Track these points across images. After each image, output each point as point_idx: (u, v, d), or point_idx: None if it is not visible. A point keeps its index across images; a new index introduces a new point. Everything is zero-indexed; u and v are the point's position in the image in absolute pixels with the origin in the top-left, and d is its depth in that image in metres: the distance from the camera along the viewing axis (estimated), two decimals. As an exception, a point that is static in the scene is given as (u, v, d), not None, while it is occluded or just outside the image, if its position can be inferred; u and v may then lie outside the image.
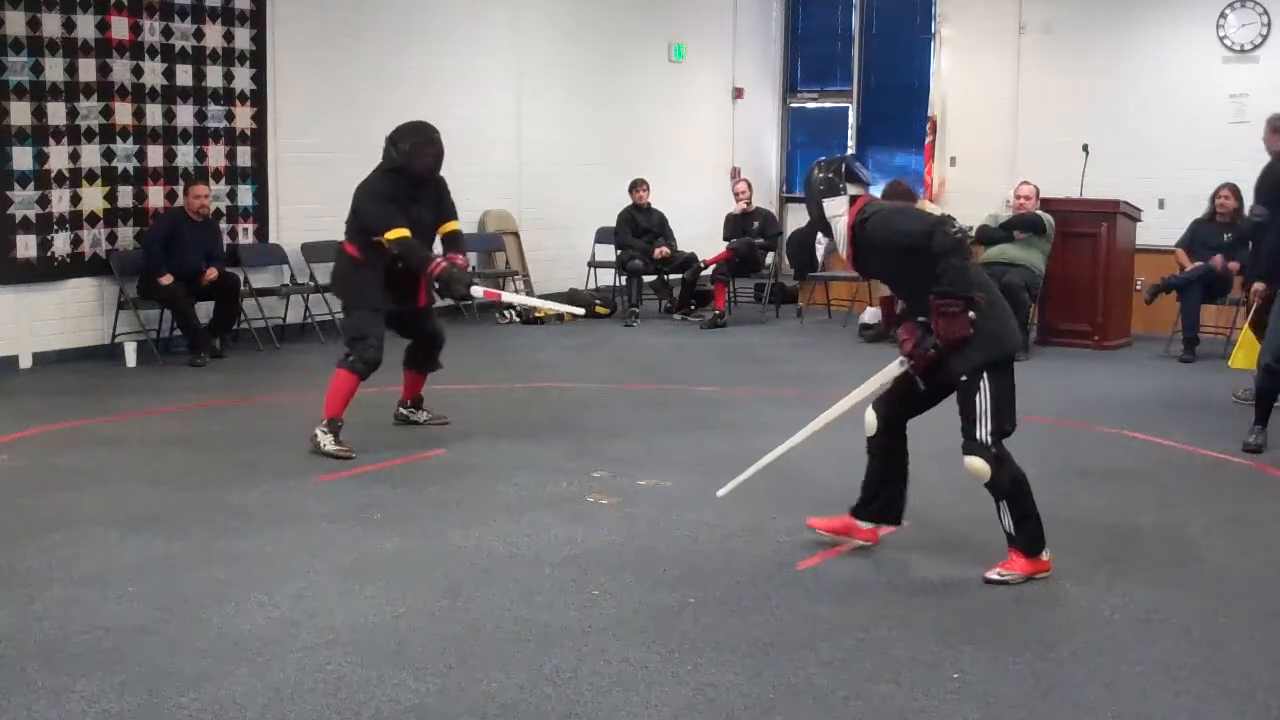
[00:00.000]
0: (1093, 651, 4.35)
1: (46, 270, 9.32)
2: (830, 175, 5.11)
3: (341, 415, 6.94)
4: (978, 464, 4.87)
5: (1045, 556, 4.99)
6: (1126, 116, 12.50)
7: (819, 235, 5.27)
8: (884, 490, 5.26)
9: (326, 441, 6.85)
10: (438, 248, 7.27)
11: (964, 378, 4.87)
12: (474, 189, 12.25)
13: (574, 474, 6.51)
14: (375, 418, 7.83)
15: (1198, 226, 10.86)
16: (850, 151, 4.99)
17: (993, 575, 4.91)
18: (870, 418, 5.19)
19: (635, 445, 7.15)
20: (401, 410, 7.66)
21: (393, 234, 6.85)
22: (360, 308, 7.06)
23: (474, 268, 12.13)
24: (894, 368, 5.10)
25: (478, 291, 7.29)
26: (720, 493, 5.45)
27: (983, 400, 4.84)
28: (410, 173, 7.01)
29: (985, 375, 4.83)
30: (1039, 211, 10.66)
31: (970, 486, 6.29)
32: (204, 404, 8.21)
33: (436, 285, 7.09)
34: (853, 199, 5.07)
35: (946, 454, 6.72)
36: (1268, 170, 8.24)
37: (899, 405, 5.16)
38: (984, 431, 4.84)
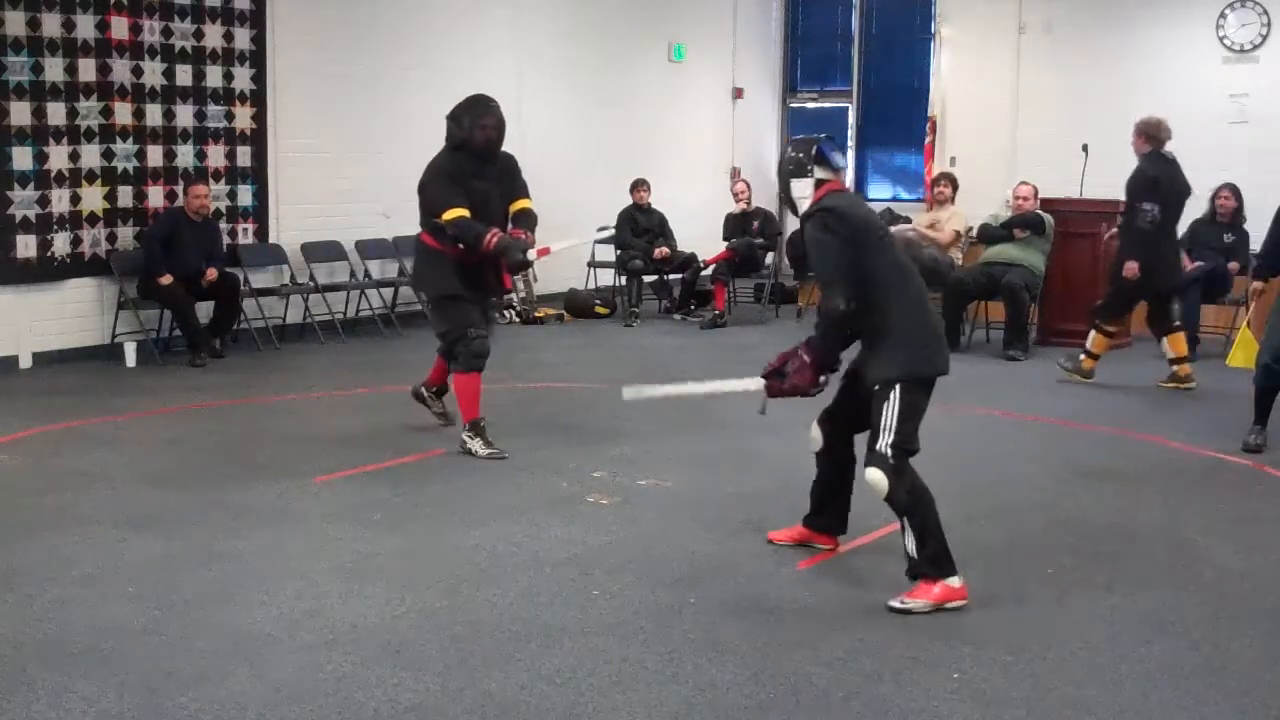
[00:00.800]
0: (1093, 651, 4.35)
1: (46, 270, 9.32)
2: (800, 155, 4.96)
3: (480, 415, 6.82)
4: (875, 475, 4.72)
5: (957, 583, 4.68)
6: (1126, 116, 12.40)
7: None
8: (833, 502, 5.23)
9: (476, 446, 6.77)
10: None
11: (876, 387, 4.78)
12: (474, 189, 12.27)
13: (574, 474, 6.51)
14: (375, 418, 7.83)
15: (1198, 227, 10.86)
16: (826, 136, 4.78)
17: (894, 604, 4.66)
18: (815, 433, 5.12)
19: (635, 445, 7.15)
20: (422, 390, 7.47)
21: (449, 214, 6.68)
22: (444, 301, 6.87)
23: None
24: (751, 384, 5.04)
25: (532, 255, 6.93)
26: (627, 395, 5.37)
27: (889, 412, 4.72)
28: (472, 147, 6.86)
29: (896, 388, 4.72)
30: (1039, 211, 10.66)
31: (967, 488, 6.31)
32: (204, 404, 8.21)
33: (497, 258, 6.80)
34: (819, 183, 4.92)
35: (944, 456, 6.74)
36: (1137, 171, 9.10)
37: (842, 419, 5.07)
38: (885, 442, 4.70)
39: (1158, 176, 9.05)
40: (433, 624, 4.50)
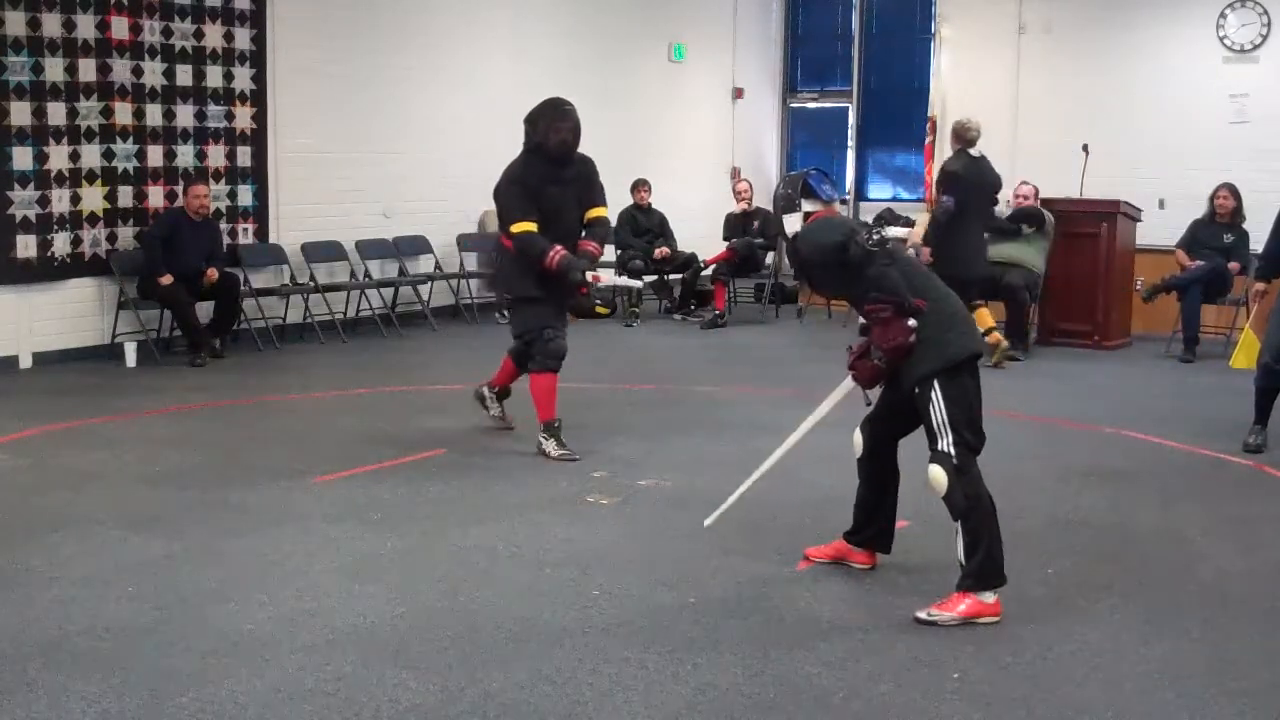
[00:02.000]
0: (1093, 651, 4.35)
1: (46, 270, 9.32)
2: (788, 191, 5.04)
3: (555, 415, 6.78)
4: (936, 472, 4.59)
5: (991, 598, 4.55)
6: (1126, 116, 12.50)
7: None
8: (875, 518, 5.04)
9: (550, 447, 6.73)
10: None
11: (915, 390, 4.65)
12: (473, 189, 12.25)
13: (574, 474, 6.51)
14: (375, 418, 7.84)
15: (1197, 227, 10.87)
16: (814, 169, 4.75)
17: (921, 615, 4.55)
18: (857, 438, 4.98)
19: (635, 445, 7.15)
20: (484, 392, 7.40)
21: (517, 227, 6.63)
22: (522, 302, 6.81)
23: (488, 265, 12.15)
24: (846, 384, 4.92)
25: (588, 277, 6.81)
26: (707, 523, 5.35)
27: (937, 412, 4.59)
28: (547, 151, 6.79)
29: (935, 385, 4.59)
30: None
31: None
32: (204, 404, 8.21)
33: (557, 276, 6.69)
34: (807, 215, 4.96)
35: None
36: (942, 166, 9.90)
37: (882, 425, 4.92)
38: (946, 442, 4.58)
39: (958, 171, 9.65)
40: (433, 624, 4.50)
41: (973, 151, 9.85)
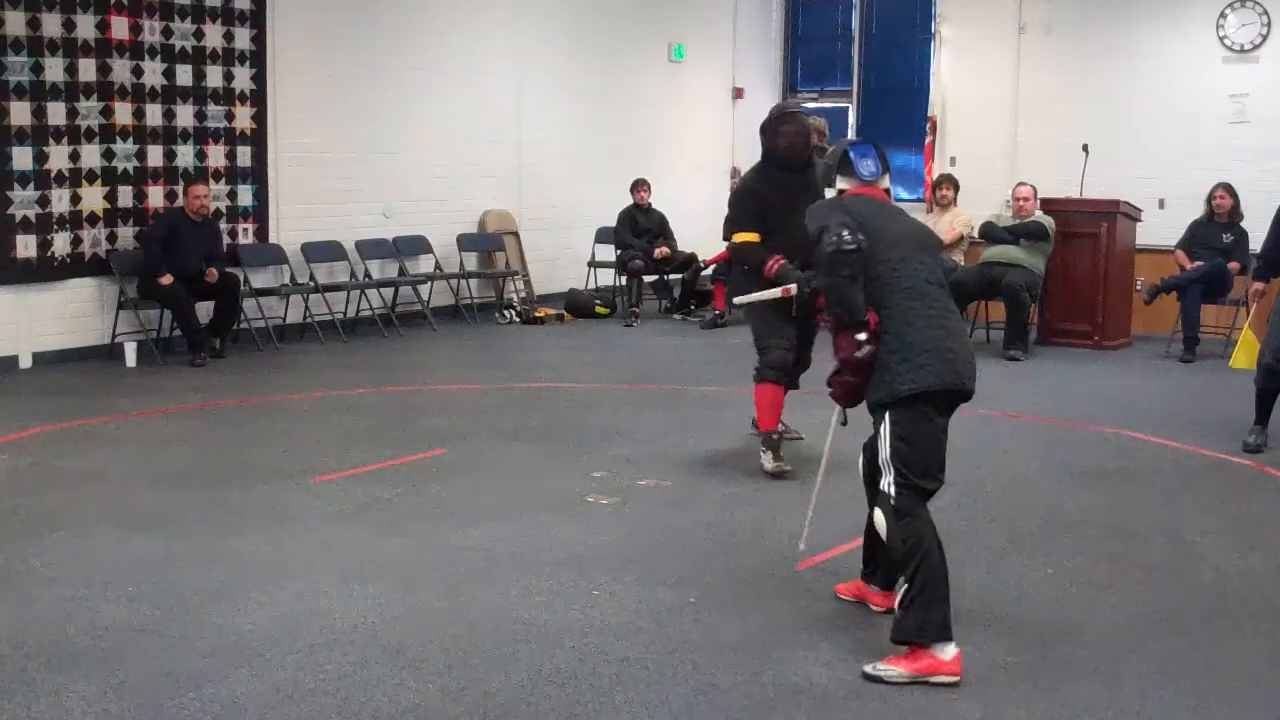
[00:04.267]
0: (1093, 651, 4.35)
1: (46, 270, 9.31)
2: (828, 163, 4.65)
3: (775, 426, 6.59)
4: (877, 515, 4.27)
5: (949, 654, 4.05)
6: (1126, 116, 12.49)
7: None
8: (879, 555, 4.58)
9: (766, 460, 6.52)
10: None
11: (872, 417, 4.32)
12: (474, 189, 12.28)
13: (574, 474, 6.51)
14: (375, 418, 7.84)
15: (1196, 227, 10.86)
16: (859, 140, 4.84)
17: (868, 669, 4.10)
18: (861, 462, 4.59)
19: (635, 445, 7.15)
20: (765, 436, 6.71)
21: (738, 237, 6.52)
22: (753, 309, 6.66)
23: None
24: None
25: (792, 289, 6.38)
26: (801, 547, 5.05)
27: (883, 447, 4.23)
28: (776, 157, 6.64)
29: (885, 417, 4.23)
30: (1040, 216, 10.66)
31: (967, 488, 6.31)
32: (204, 404, 8.21)
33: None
34: (840, 193, 4.56)
35: (947, 454, 6.72)
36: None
37: (874, 448, 4.42)
38: (886, 481, 4.22)
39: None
40: (433, 624, 4.50)
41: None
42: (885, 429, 4.23)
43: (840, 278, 4.21)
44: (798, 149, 6.61)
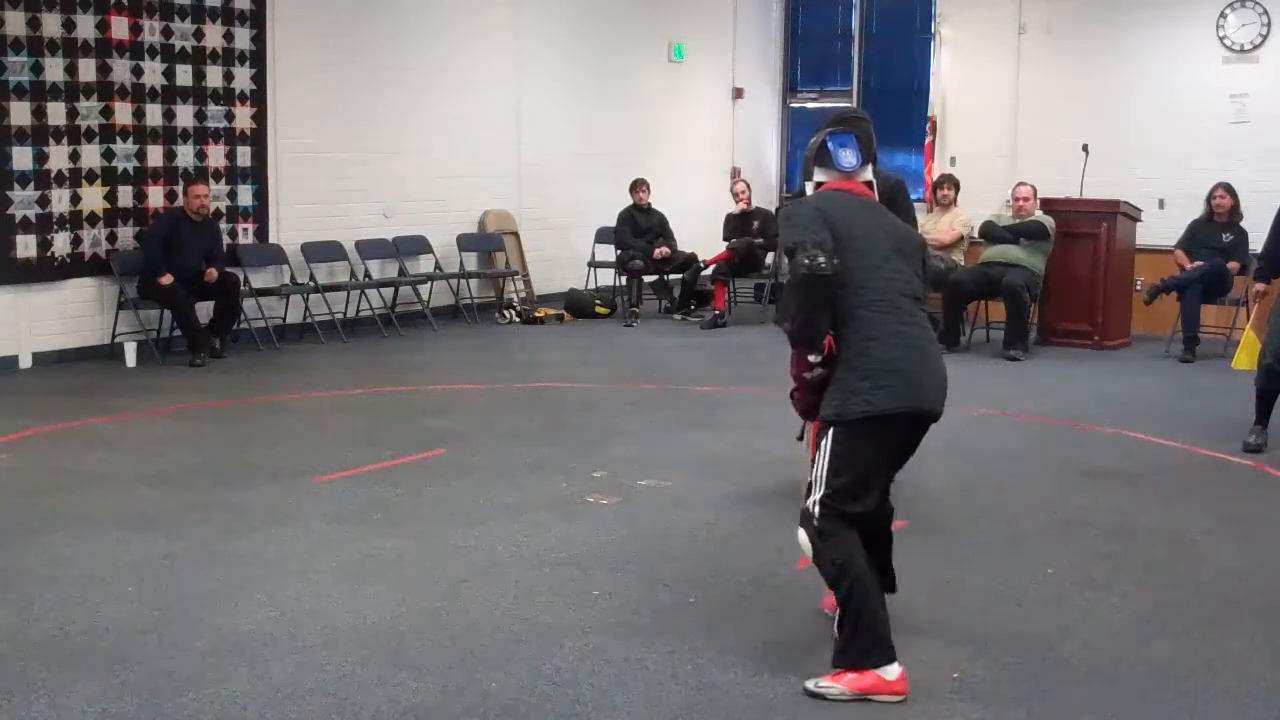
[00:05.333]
0: (1093, 651, 4.35)
1: (46, 270, 9.31)
2: (807, 155, 4.33)
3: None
4: (800, 534, 4.07)
5: (892, 673, 3.89)
6: (1126, 116, 12.50)
7: None
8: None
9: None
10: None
11: (821, 425, 4.12)
12: (474, 189, 12.28)
13: (574, 474, 6.51)
14: (375, 418, 7.83)
15: (1196, 227, 10.86)
16: (840, 130, 4.42)
17: (809, 685, 3.96)
18: None
19: (635, 445, 7.15)
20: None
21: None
22: None
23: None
24: None
25: None
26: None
27: (821, 459, 4.03)
28: None
29: (830, 433, 4.02)
30: (1040, 216, 10.67)
31: (972, 485, 6.32)
32: (204, 404, 8.21)
33: None
34: (819, 185, 4.27)
35: (948, 452, 6.73)
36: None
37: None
38: (814, 497, 4.02)
39: None
40: (433, 624, 4.50)
41: None
42: (826, 444, 4.02)
43: (809, 301, 3.97)
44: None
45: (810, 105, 15.84)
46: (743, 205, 12.55)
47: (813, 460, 4.13)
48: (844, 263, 3.97)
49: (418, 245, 11.67)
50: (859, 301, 3.99)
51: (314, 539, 5.44)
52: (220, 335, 9.89)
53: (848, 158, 4.24)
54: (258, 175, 10.55)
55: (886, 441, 4.03)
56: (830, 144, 4.25)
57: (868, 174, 4.30)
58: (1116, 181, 11.47)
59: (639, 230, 12.49)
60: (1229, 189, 10.70)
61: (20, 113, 9.04)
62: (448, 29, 11.95)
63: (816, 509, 4.00)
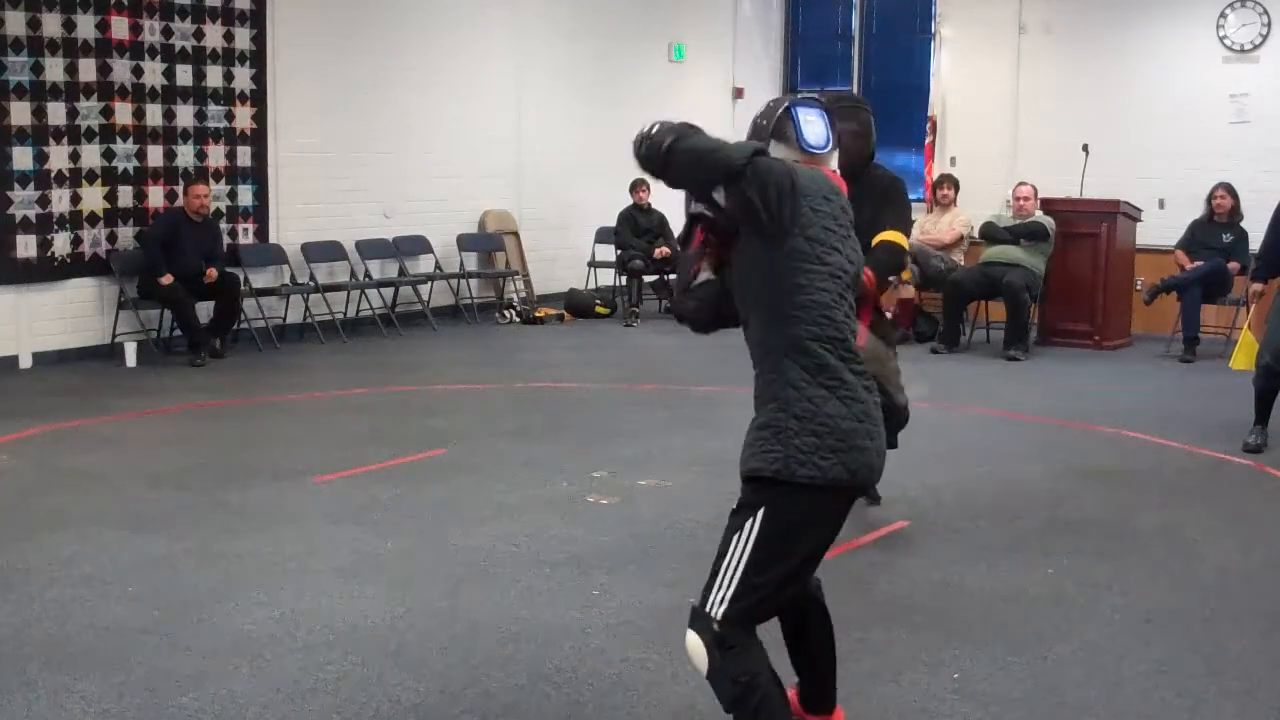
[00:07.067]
0: (1093, 651, 4.35)
1: (46, 270, 9.31)
2: (761, 123, 3.33)
3: None
4: (692, 642, 3.14)
5: None
6: (1126, 116, 12.49)
7: None
8: (801, 665, 3.56)
9: None
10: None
11: (743, 486, 3.19)
12: (474, 189, 12.28)
13: (574, 474, 6.51)
14: (375, 418, 7.84)
15: (1196, 227, 10.87)
16: (808, 95, 3.45)
17: None
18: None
19: (635, 445, 7.15)
20: None
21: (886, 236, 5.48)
22: None
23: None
24: None
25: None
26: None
27: (738, 543, 3.11)
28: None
29: (761, 504, 3.11)
30: (1040, 217, 10.67)
31: (972, 485, 6.31)
32: (204, 404, 8.21)
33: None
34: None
35: (947, 454, 6.73)
36: None
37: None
38: (716, 596, 3.13)
39: None
40: (433, 624, 4.50)
41: None
42: (755, 519, 3.09)
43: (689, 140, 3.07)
44: (849, 152, 5.11)
45: (810, 105, 15.84)
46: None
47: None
48: (810, 280, 3.10)
49: (418, 245, 11.67)
50: (816, 334, 3.10)
51: (314, 539, 5.44)
52: (220, 335, 9.89)
53: (816, 132, 3.26)
54: (258, 175, 10.55)
55: (829, 523, 3.19)
56: (795, 113, 3.26)
57: (834, 161, 3.37)
58: (1116, 181, 11.46)
59: (639, 230, 12.49)
60: (1229, 189, 10.70)
61: (20, 113, 9.04)
62: (448, 29, 11.94)
63: (720, 610, 3.10)
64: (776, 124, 3.28)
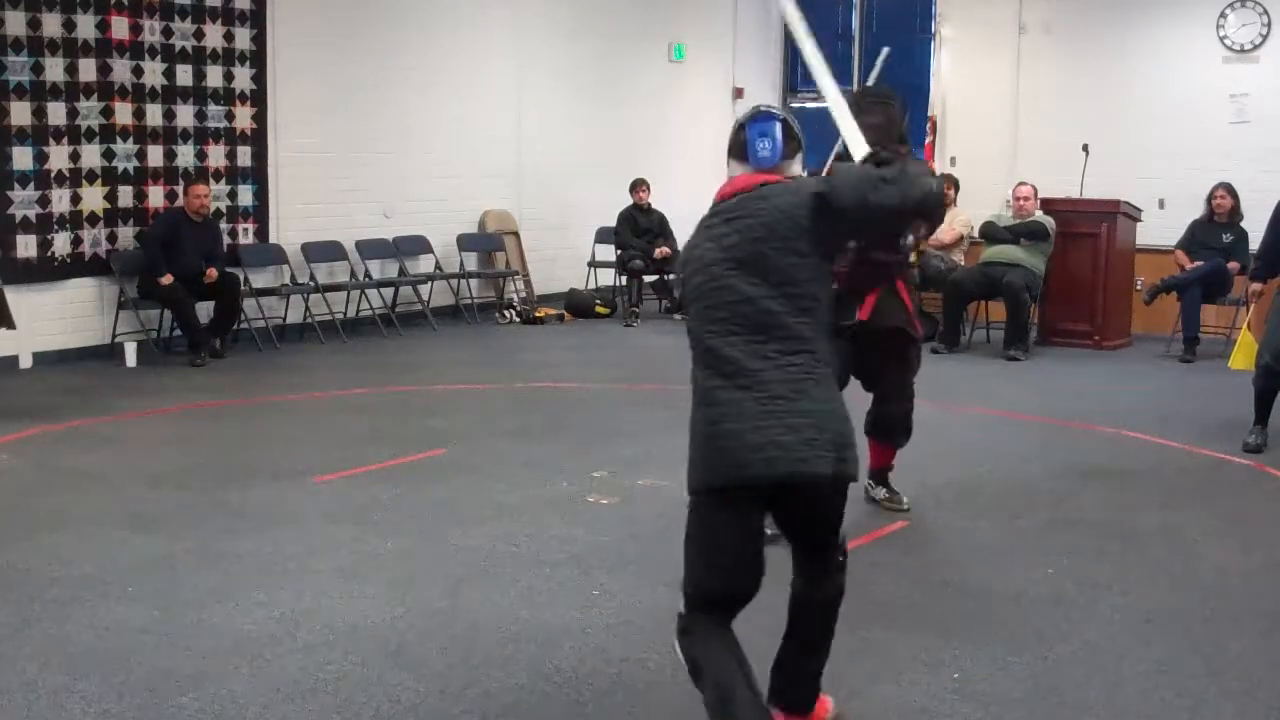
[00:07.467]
0: (1093, 651, 4.35)
1: (46, 270, 9.31)
2: (731, 141, 3.59)
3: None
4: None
5: None
6: (1126, 116, 12.49)
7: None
8: (780, 663, 3.69)
9: (879, 492, 5.97)
10: None
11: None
12: (474, 189, 12.28)
13: (574, 474, 6.51)
14: (375, 418, 7.83)
15: (1196, 227, 10.87)
16: (768, 107, 3.65)
17: None
18: None
19: (635, 445, 7.15)
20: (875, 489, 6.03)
21: None
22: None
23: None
24: None
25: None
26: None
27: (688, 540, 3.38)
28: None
29: (690, 505, 3.37)
30: (1040, 216, 10.67)
31: (972, 485, 6.31)
32: (204, 404, 8.21)
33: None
34: (731, 180, 3.56)
35: (947, 453, 6.73)
36: None
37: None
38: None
39: None
40: (433, 624, 4.50)
41: None
42: (689, 521, 3.39)
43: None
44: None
45: (810, 105, 15.83)
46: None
47: None
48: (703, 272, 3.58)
49: (418, 245, 11.67)
50: (706, 329, 3.37)
51: (314, 539, 5.44)
52: (220, 335, 9.89)
53: (766, 150, 3.47)
54: (258, 175, 10.55)
55: (743, 516, 3.28)
56: (750, 131, 3.49)
57: (796, 167, 3.57)
58: (1117, 181, 11.46)
59: (639, 230, 12.49)
60: (1229, 189, 10.70)
61: (20, 113, 9.04)
62: (448, 29, 11.94)
63: (682, 601, 3.41)
64: (733, 141, 3.54)
